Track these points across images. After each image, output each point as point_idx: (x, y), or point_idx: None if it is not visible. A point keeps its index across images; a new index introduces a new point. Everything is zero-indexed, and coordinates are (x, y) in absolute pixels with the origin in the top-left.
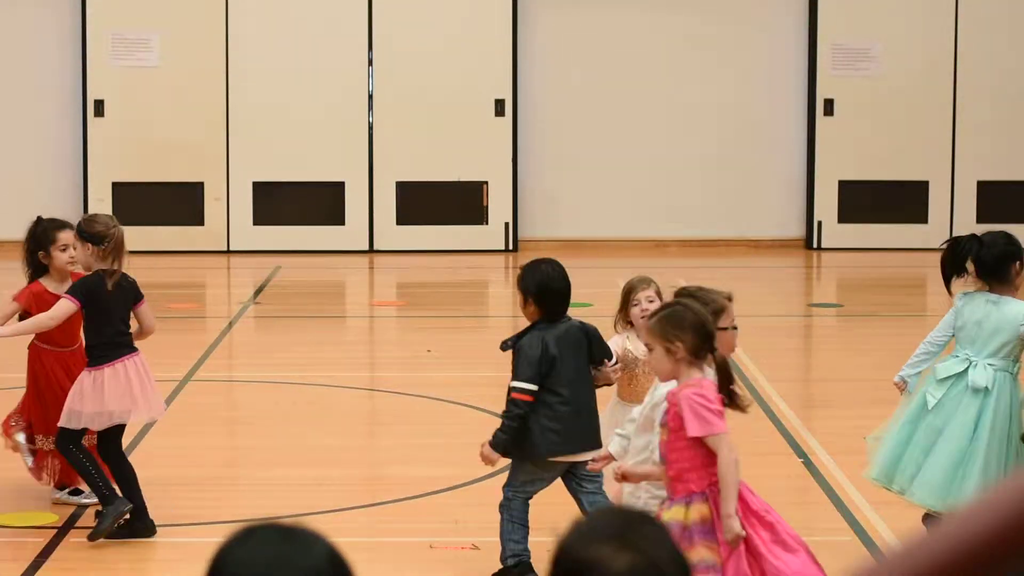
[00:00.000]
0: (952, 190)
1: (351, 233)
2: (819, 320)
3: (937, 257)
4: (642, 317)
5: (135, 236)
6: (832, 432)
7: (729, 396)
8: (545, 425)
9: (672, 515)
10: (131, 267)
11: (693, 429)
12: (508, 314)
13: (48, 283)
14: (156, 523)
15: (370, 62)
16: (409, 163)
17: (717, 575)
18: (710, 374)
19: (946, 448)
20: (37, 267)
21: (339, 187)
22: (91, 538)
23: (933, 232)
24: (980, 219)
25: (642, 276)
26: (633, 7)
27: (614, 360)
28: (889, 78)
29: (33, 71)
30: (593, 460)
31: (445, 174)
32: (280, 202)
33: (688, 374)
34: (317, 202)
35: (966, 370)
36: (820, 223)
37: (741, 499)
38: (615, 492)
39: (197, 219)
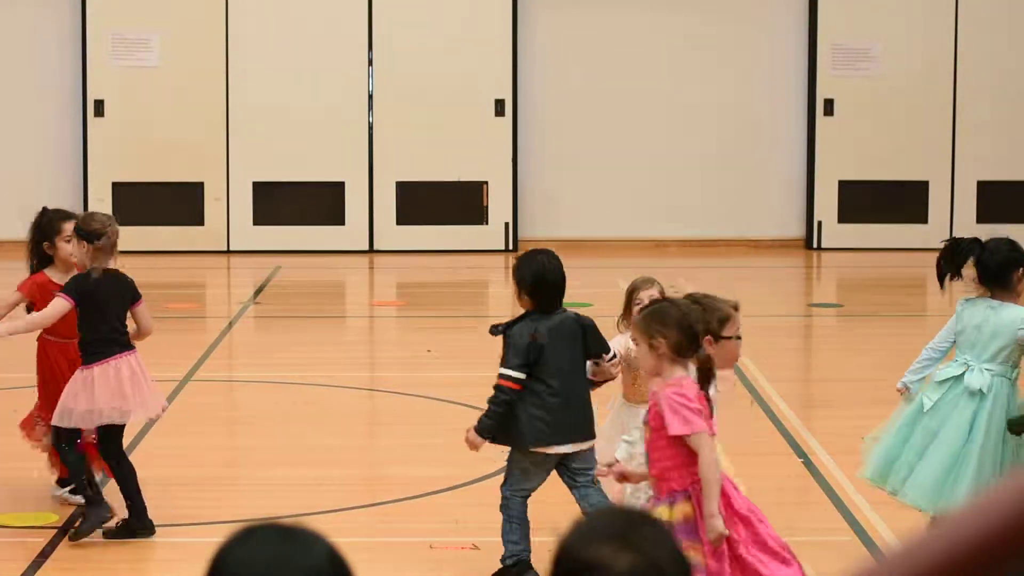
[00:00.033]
0: (952, 190)
1: (351, 233)
2: (819, 320)
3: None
4: None
5: (135, 236)
6: (832, 432)
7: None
8: (533, 414)
9: (658, 515)
10: (131, 267)
11: (674, 428)
12: (508, 314)
13: (53, 274)
14: (156, 523)
15: (370, 62)
16: (409, 163)
17: (701, 575)
18: (696, 373)
19: (939, 451)
20: (42, 257)
21: (339, 187)
22: (72, 539)
23: (933, 232)
24: (980, 219)
25: (646, 277)
26: (633, 7)
27: (612, 354)
28: (889, 78)
29: (33, 71)
30: (599, 468)
31: (445, 174)
32: (280, 202)
33: (671, 372)
34: (317, 202)
35: (963, 374)
36: (820, 223)
37: (725, 498)
38: (616, 493)
39: (197, 219)
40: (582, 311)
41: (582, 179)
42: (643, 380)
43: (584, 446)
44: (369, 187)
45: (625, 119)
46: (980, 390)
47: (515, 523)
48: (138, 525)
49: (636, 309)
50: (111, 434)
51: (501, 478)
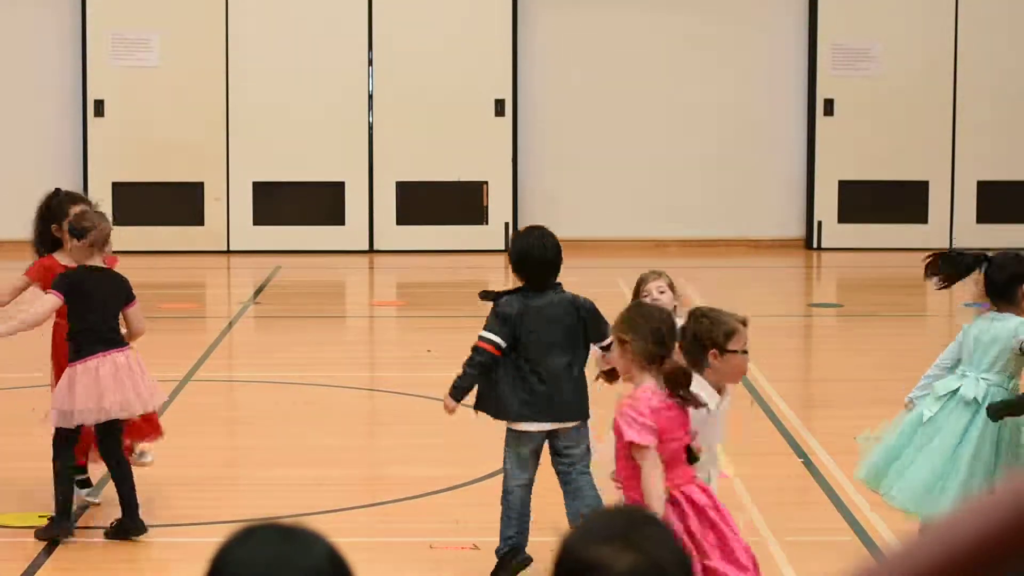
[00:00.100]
0: (952, 190)
1: (351, 233)
2: (819, 320)
3: None
4: None
5: (135, 236)
6: (832, 432)
7: (682, 399)
8: (517, 390)
9: None
10: (131, 267)
11: (628, 435)
12: None
13: (61, 257)
14: (156, 523)
15: (370, 62)
16: (409, 163)
17: None
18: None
19: (930, 457)
20: (52, 240)
21: (339, 187)
22: (36, 536)
23: (933, 232)
24: (980, 219)
25: (654, 269)
26: (633, 7)
27: (609, 341)
28: (889, 78)
29: (33, 71)
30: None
31: (445, 174)
32: (280, 202)
33: (640, 377)
34: (317, 202)
35: (961, 386)
36: (820, 223)
37: (691, 502)
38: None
39: (197, 219)
40: None
41: (582, 179)
42: None
43: (568, 425)
44: (369, 187)
45: (625, 119)
46: (975, 399)
47: (512, 516)
48: (130, 524)
49: (644, 300)
50: (110, 432)
51: (501, 478)
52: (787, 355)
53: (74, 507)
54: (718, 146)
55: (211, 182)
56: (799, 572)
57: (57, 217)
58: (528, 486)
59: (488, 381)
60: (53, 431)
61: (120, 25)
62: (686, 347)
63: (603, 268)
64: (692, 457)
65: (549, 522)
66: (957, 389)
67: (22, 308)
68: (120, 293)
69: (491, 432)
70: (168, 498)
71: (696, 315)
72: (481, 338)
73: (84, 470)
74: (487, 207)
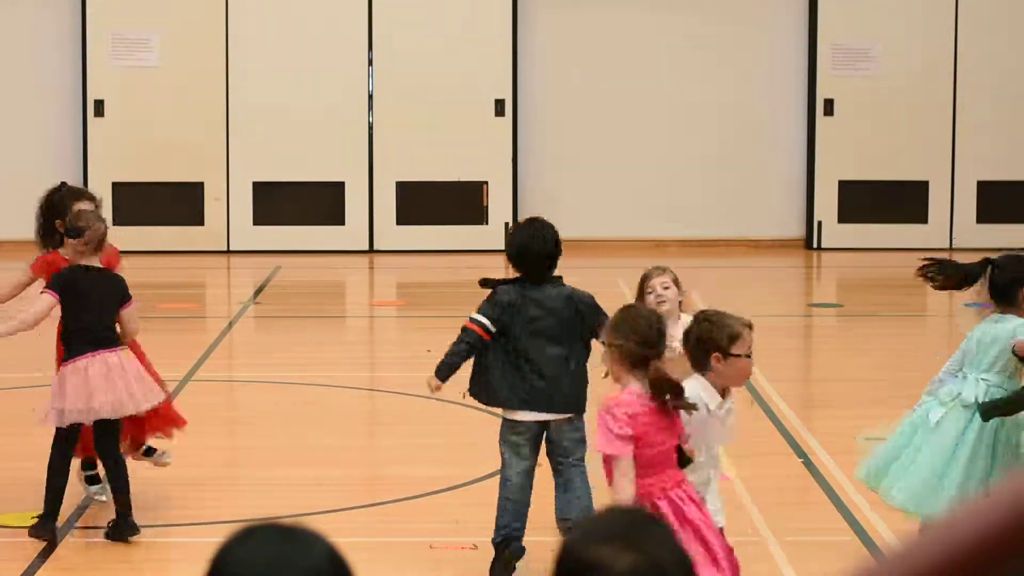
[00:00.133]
0: (952, 190)
1: (351, 233)
2: (819, 320)
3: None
4: (657, 304)
5: (135, 236)
6: (832, 432)
7: (670, 401)
8: (508, 377)
9: None
10: (131, 267)
11: (599, 444)
12: None
13: (64, 252)
14: (156, 523)
15: (370, 62)
16: (409, 163)
17: None
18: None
19: (929, 457)
20: (55, 235)
21: (339, 187)
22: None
23: (933, 232)
24: (980, 219)
25: (658, 265)
26: (633, 7)
27: None
28: (889, 78)
29: (33, 71)
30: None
31: (445, 174)
32: (280, 202)
33: (627, 379)
34: (317, 202)
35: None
36: (820, 223)
37: (677, 511)
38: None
39: (197, 219)
40: None
41: (582, 179)
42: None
43: (561, 417)
44: (369, 187)
45: (625, 119)
46: (975, 399)
47: (508, 505)
48: (123, 525)
49: (648, 297)
50: (108, 431)
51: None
52: (787, 355)
53: (81, 501)
54: (718, 146)
55: (211, 182)
56: (799, 572)
57: (60, 212)
58: (525, 475)
59: (479, 367)
60: (54, 431)
61: (120, 25)
62: (690, 350)
63: (603, 268)
64: (684, 460)
65: (549, 522)
66: (960, 393)
67: (22, 308)
68: (116, 293)
69: (491, 432)
70: (168, 498)
71: (700, 318)
72: (471, 319)
73: (94, 465)
74: (487, 207)
